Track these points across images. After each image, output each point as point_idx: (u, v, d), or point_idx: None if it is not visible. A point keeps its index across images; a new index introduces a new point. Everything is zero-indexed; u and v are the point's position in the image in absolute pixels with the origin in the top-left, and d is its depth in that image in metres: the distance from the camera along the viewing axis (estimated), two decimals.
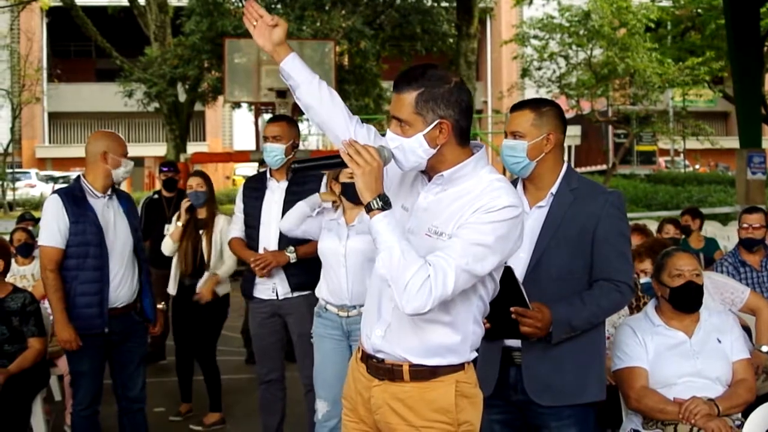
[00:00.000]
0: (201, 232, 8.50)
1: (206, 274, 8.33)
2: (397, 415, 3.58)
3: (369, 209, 3.35)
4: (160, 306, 6.69)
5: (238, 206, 7.04)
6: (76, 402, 6.50)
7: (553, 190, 4.43)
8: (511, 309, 4.12)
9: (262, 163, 10.06)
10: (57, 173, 44.08)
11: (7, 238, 9.89)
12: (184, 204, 8.49)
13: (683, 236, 10.43)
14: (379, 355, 3.59)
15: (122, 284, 6.34)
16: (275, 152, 6.64)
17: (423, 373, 3.55)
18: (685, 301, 5.26)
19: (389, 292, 3.44)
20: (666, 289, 5.28)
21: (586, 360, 4.40)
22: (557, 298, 4.26)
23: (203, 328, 8.58)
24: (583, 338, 4.35)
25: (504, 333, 4.31)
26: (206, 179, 8.65)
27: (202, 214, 8.54)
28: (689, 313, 5.29)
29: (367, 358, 3.64)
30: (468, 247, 3.33)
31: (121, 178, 6.42)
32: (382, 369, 3.59)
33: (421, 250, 3.35)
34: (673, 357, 5.18)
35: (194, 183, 8.52)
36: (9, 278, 8.11)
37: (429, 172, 3.55)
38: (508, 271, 3.95)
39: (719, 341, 5.24)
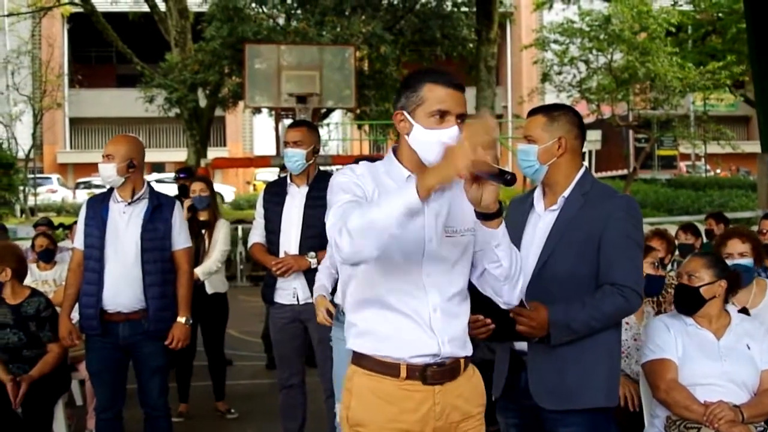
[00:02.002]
0: (203, 231, 8.93)
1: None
2: (461, 411, 3.69)
3: (497, 215, 3.45)
4: (182, 320, 6.59)
5: (259, 211, 7.05)
6: (96, 404, 6.63)
7: (566, 194, 4.42)
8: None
9: (283, 168, 10.15)
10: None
11: (29, 243, 9.95)
12: (186, 203, 8.82)
13: (704, 241, 10.38)
14: (439, 360, 3.60)
15: (122, 291, 6.32)
16: (296, 157, 6.66)
17: (467, 363, 3.75)
18: (677, 301, 5.39)
19: (429, 306, 3.55)
20: None
21: (591, 363, 4.33)
22: (562, 302, 4.23)
23: (204, 328, 9.12)
24: (587, 341, 4.30)
25: (507, 334, 4.30)
26: (209, 184, 9.17)
27: (203, 216, 8.98)
28: (685, 314, 5.34)
29: (423, 369, 3.58)
30: None
31: (104, 182, 6.44)
32: (446, 371, 3.63)
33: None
34: (700, 357, 5.18)
35: (198, 188, 9.01)
36: (31, 283, 8.16)
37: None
38: None
39: (749, 347, 5.22)
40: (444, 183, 3.18)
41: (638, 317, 6.04)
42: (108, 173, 6.34)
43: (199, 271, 8.65)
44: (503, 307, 3.74)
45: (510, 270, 3.57)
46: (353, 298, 3.63)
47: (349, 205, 3.35)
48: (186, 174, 11.04)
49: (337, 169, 4.01)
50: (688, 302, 5.30)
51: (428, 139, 3.48)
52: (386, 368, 3.59)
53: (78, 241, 6.51)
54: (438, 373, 3.60)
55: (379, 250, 3.23)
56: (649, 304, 6.78)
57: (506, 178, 3.29)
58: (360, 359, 3.64)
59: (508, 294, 3.65)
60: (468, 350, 3.70)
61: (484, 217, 3.44)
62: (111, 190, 6.48)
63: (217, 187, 41.68)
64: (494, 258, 3.55)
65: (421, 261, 3.54)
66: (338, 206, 3.37)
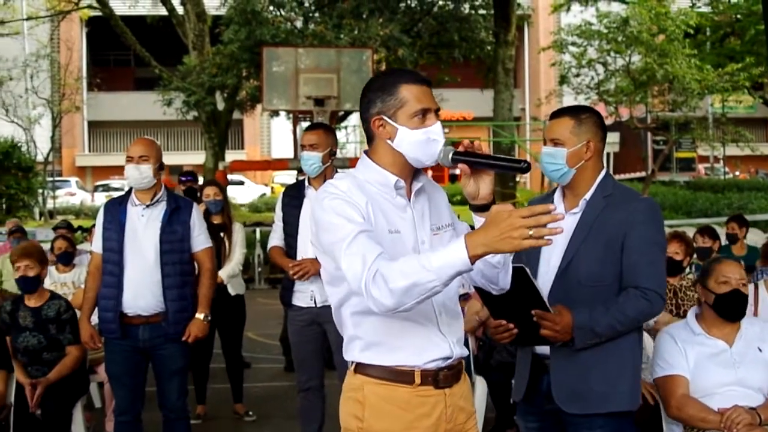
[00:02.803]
0: (222, 235, 8.96)
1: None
2: (464, 412, 3.71)
3: (490, 206, 3.46)
4: (200, 316, 6.60)
5: (278, 215, 7.05)
6: (114, 407, 6.66)
7: (587, 196, 4.42)
8: (532, 312, 4.11)
9: (300, 171, 10.19)
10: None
11: (48, 246, 9.99)
12: (200, 207, 8.74)
13: (723, 244, 10.34)
14: (450, 363, 3.61)
15: (142, 293, 6.35)
16: (312, 160, 6.65)
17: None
18: (730, 309, 5.18)
19: (435, 308, 3.56)
20: (711, 296, 5.21)
21: (615, 367, 4.34)
22: (586, 305, 4.23)
23: (222, 330, 9.12)
24: (611, 345, 4.30)
25: (530, 338, 4.30)
26: (221, 188, 9.24)
27: (217, 220, 9.02)
28: (732, 322, 5.21)
29: (435, 374, 3.58)
30: None
31: (137, 183, 6.44)
32: (455, 374, 3.66)
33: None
34: (713, 366, 5.13)
35: (211, 192, 9.08)
36: (50, 286, 8.19)
37: (408, 179, 3.62)
38: (521, 272, 3.95)
39: (760, 350, 5.18)
40: (496, 253, 3.20)
41: None
42: (146, 174, 6.38)
43: (223, 274, 8.73)
44: (495, 293, 3.72)
45: (505, 255, 3.54)
46: (354, 310, 3.55)
47: (363, 241, 3.31)
48: (190, 177, 11.06)
49: None
50: (740, 309, 5.22)
51: (417, 139, 3.48)
52: (400, 376, 3.56)
53: (96, 244, 6.55)
54: (449, 376, 3.61)
55: (422, 302, 3.26)
56: (667, 307, 6.75)
57: (521, 166, 3.33)
58: (368, 369, 3.59)
59: (503, 280, 3.64)
60: (465, 351, 3.72)
61: (480, 209, 3.49)
62: (128, 193, 6.51)
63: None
64: None
65: None
66: (350, 242, 3.31)
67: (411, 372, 3.54)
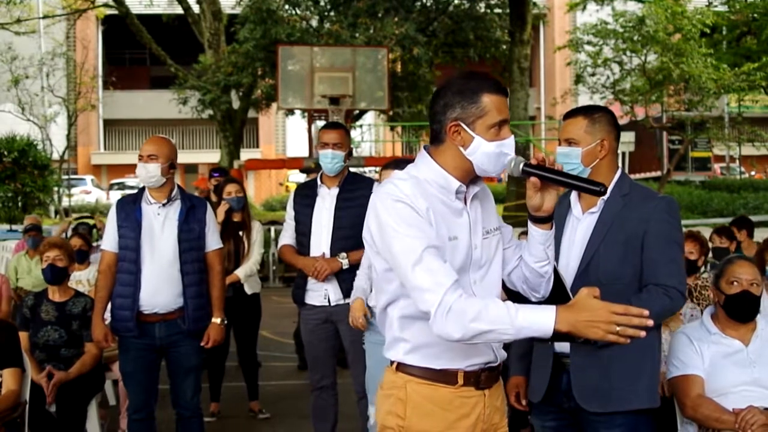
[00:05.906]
0: (241, 233, 8.97)
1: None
2: (499, 412, 3.72)
3: (551, 218, 3.64)
4: (217, 320, 6.62)
5: (289, 213, 7.03)
6: (128, 405, 6.66)
7: (605, 196, 4.42)
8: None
9: (307, 172, 10.21)
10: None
11: None
12: (224, 206, 8.88)
13: (737, 244, 10.29)
14: (492, 365, 3.63)
15: (160, 291, 6.36)
16: (337, 159, 6.66)
17: None
18: (738, 310, 5.16)
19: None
20: (722, 296, 5.20)
21: (636, 365, 4.36)
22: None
23: (238, 329, 9.10)
24: (632, 343, 4.30)
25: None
26: (241, 186, 9.22)
27: (237, 217, 9.02)
28: (742, 323, 5.19)
29: (477, 375, 3.58)
30: None
31: (146, 182, 6.44)
32: (495, 376, 3.68)
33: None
34: (729, 366, 5.11)
35: (233, 189, 9.05)
36: None
37: (467, 184, 3.58)
38: None
39: None
40: (578, 335, 3.28)
41: None
42: (153, 173, 6.38)
43: (240, 273, 8.76)
44: (534, 300, 3.74)
45: (551, 264, 3.67)
46: (402, 313, 3.54)
47: (434, 259, 3.31)
48: (220, 173, 11.11)
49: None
50: (749, 310, 5.19)
51: (491, 151, 3.44)
52: (443, 376, 3.56)
53: (107, 243, 6.52)
54: (489, 377, 3.62)
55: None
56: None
57: (599, 189, 3.39)
58: (411, 368, 3.58)
59: (545, 289, 3.72)
60: (505, 353, 3.71)
61: (540, 220, 3.56)
62: (141, 191, 6.51)
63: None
64: (544, 257, 3.64)
65: (468, 269, 3.53)
66: (419, 256, 3.30)
67: (454, 373, 3.55)
